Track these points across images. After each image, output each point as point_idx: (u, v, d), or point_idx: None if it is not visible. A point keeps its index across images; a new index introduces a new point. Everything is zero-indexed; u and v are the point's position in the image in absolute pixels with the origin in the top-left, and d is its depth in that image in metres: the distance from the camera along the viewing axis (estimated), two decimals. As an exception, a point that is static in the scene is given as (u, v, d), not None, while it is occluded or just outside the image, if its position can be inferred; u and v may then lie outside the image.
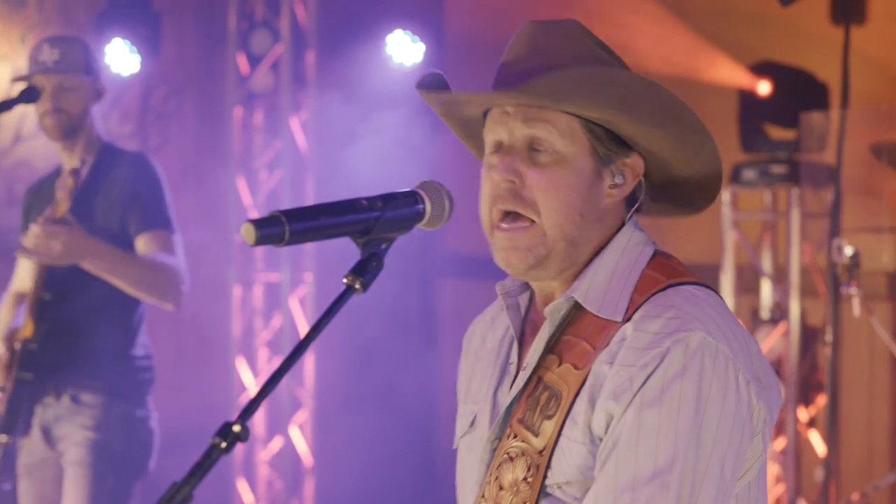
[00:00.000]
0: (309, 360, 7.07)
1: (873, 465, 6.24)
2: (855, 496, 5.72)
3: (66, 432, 4.20)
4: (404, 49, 6.89)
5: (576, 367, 2.05)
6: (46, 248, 3.97)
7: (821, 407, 6.04)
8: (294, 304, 7.06)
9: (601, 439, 2.00)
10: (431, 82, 2.25)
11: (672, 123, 2.11)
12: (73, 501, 4.17)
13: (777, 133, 6.09)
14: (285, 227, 1.87)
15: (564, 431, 2.02)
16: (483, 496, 2.14)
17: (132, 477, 4.28)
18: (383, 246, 2.02)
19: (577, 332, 2.10)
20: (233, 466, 7.06)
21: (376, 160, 6.93)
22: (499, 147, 2.15)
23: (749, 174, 6.01)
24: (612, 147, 2.12)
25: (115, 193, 4.23)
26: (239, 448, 7.04)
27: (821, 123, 5.71)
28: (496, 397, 2.21)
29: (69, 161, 4.30)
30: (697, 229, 6.01)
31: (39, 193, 4.43)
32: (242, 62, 7.04)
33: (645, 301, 2.05)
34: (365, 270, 1.98)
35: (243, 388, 7.09)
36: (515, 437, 2.10)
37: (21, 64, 6.28)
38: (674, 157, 2.15)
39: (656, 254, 2.17)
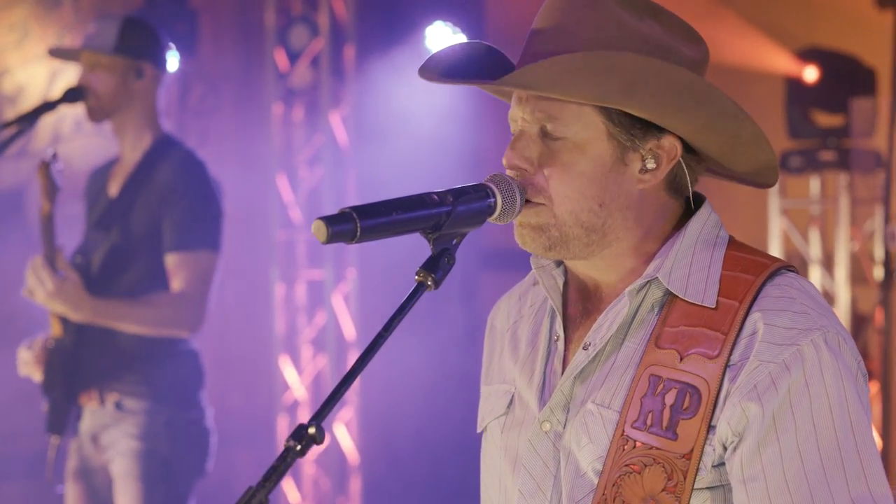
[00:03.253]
0: (353, 357, 7.02)
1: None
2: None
3: (113, 440, 4.07)
4: (444, 41, 6.82)
5: (708, 358, 1.94)
6: (46, 300, 3.93)
7: (872, 395, 5.97)
8: (337, 302, 7.02)
9: (732, 435, 1.91)
10: (431, 67, 2.18)
11: (695, 107, 1.99)
12: None
13: (824, 119, 6.02)
14: (357, 224, 1.82)
15: (711, 428, 1.92)
16: None
17: (188, 481, 4.15)
18: (454, 241, 1.96)
19: (688, 321, 1.99)
20: (278, 465, 7.02)
21: (417, 155, 6.88)
22: (514, 129, 2.09)
23: (796, 161, 5.95)
24: (635, 132, 2.01)
25: (153, 196, 4.11)
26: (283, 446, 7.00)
27: (869, 109, 5.63)
28: (546, 375, 2.10)
29: (121, 146, 4.22)
30: (744, 216, 5.94)
31: (97, 178, 4.34)
32: (281, 58, 7.00)
33: (763, 285, 1.97)
34: (437, 267, 1.92)
35: (287, 387, 7.05)
36: (636, 445, 1.96)
37: (58, 65, 6.26)
38: (708, 143, 2.04)
39: (731, 239, 2.09)
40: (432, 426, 7.30)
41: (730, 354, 1.92)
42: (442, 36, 6.81)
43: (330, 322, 6.99)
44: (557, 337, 2.12)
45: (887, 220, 4.28)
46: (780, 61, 5.92)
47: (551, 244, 2.03)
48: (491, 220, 2.01)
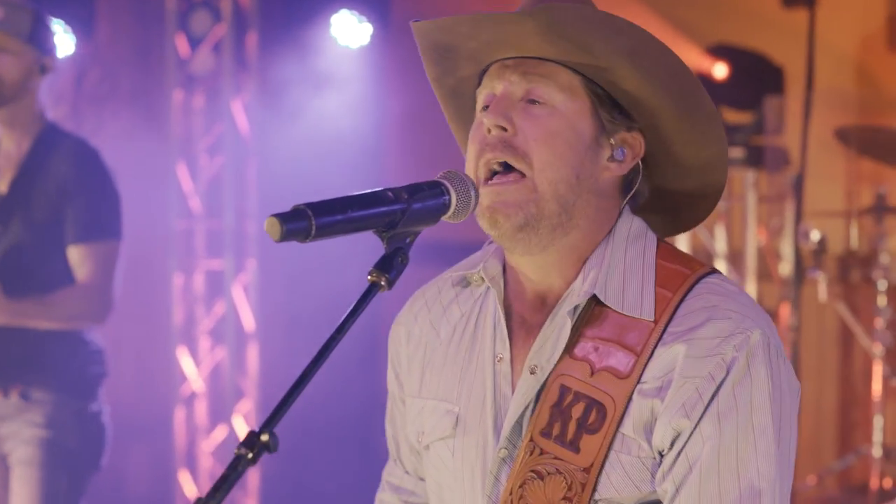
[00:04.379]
0: (252, 349, 6.92)
1: (822, 449, 6.24)
2: (811, 479, 5.69)
3: (14, 430, 3.99)
4: (350, 30, 6.73)
5: (618, 376, 1.95)
6: None
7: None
8: (237, 292, 6.91)
9: (662, 453, 1.92)
10: (429, 24, 2.13)
11: (680, 93, 2.01)
12: (23, 502, 3.97)
13: (732, 116, 6.04)
14: (312, 222, 1.75)
15: (615, 446, 1.93)
16: None
17: (85, 474, 4.09)
18: (408, 240, 1.90)
19: (603, 334, 1.99)
20: (174, 458, 6.90)
21: (321, 145, 6.79)
22: (492, 100, 2.05)
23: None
24: (614, 115, 2.03)
25: (50, 188, 4.00)
26: (180, 439, 6.89)
27: (778, 107, 5.67)
28: (496, 399, 2.07)
29: (5, 139, 4.08)
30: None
31: None
32: (182, 43, 6.85)
33: (682, 301, 1.96)
34: (391, 266, 1.85)
35: (184, 379, 6.92)
36: (542, 452, 1.97)
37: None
38: (678, 133, 2.04)
39: (659, 241, 2.09)
40: (333, 421, 7.21)
41: (641, 375, 1.92)
42: (347, 24, 6.70)
43: (229, 313, 6.87)
44: (500, 358, 2.08)
45: (799, 217, 4.30)
46: (689, 57, 5.93)
47: (525, 222, 1.99)
48: (444, 218, 1.95)
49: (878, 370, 5.22)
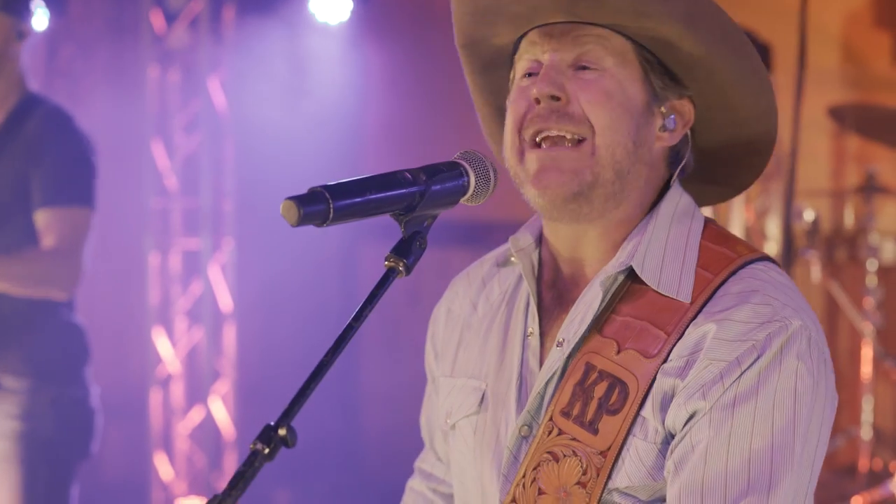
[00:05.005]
0: (229, 330, 6.82)
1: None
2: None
3: None
4: (329, 6, 6.60)
5: (646, 356, 1.85)
6: None
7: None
8: (214, 272, 6.81)
9: (674, 435, 1.82)
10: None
11: (735, 50, 1.92)
12: (2, 502, 3.76)
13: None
14: (330, 205, 1.67)
15: (634, 430, 1.84)
16: (514, 500, 1.93)
17: (72, 463, 3.87)
18: (426, 223, 1.82)
19: (636, 312, 1.90)
20: (150, 440, 6.80)
21: (299, 122, 6.70)
22: (536, 68, 1.96)
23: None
24: (666, 81, 1.95)
25: (20, 151, 3.81)
26: (156, 421, 6.80)
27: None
28: (523, 375, 2.00)
29: None
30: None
31: None
32: (157, 19, 6.73)
33: (723, 283, 1.87)
34: (409, 251, 1.77)
35: (160, 360, 6.81)
36: (560, 433, 1.89)
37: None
38: (735, 88, 1.95)
39: (707, 221, 2.00)
40: (310, 399, 7.12)
41: (668, 355, 1.84)
42: (326, 1, 6.58)
43: (206, 293, 6.77)
44: (531, 332, 2.01)
45: (791, 197, 4.24)
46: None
47: (580, 190, 1.91)
48: (463, 200, 1.87)
49: (867, 351, 5.17)
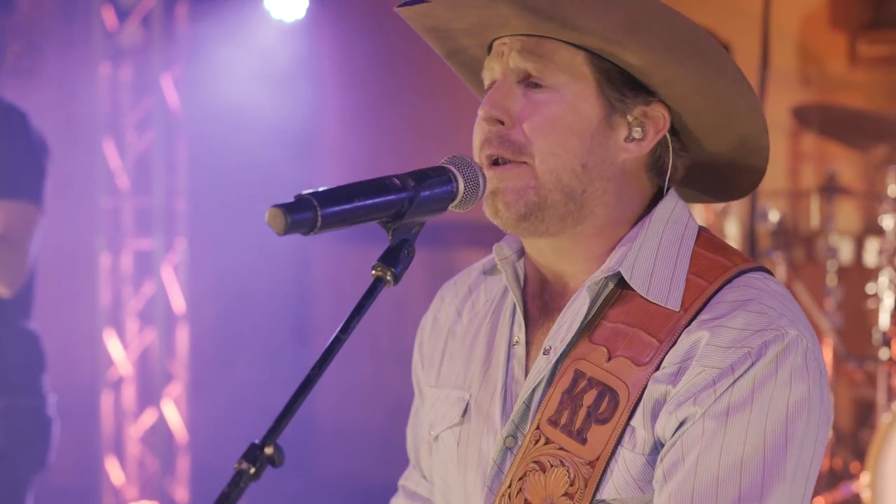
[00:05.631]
0: (182, 331, 6.73)
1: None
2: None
3: None
4: (285, 3, 6.52)
5: (637, 364, 1.79)
6: None
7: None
8: (167, 273, 6.72)
9: (663, 443, 1.77)
10: (406, 11, 1.97)
11: (695, 61, 1.82)
12: None
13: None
14: (317, 212, 1.60)
15: (623, 441, 1.78)
16: None
17: (26, 474, 3.74)
18: (413, 231, 1.75)
19: (627, 319, 1.84)
20: (100, 444, 6.69)
21: (254, 120, 6.62)
22: (492, 83, 1.90)
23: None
24: (625, 91, 1.86)
25: None
26: (108, 424, 6.70)
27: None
28: (507, 384, 1.94)
29: None
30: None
31: None
32: (109, 15, 6.63)
33: (718, 290, 1.81)
34: (397, 260, 1.71)
35: (111, 362, 6.71)
36: (548, 442, 1.83)
37: None
38: (699, 109, 1.87)
39: (701, 230, 1.94)
40: (265, 401, 7.04)
41: (660, 363, 1.78)
42: (281, -3, 6.51)
43: (158, 294, 6.69)
44: (517, 341, 1.95)
45: (755, 197, 4.21)
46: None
47: (528, 211, 1.85)
48: (451, 206, 1.81)
49: (827, 352, 5.17)
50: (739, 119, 1.89)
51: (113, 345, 6.72)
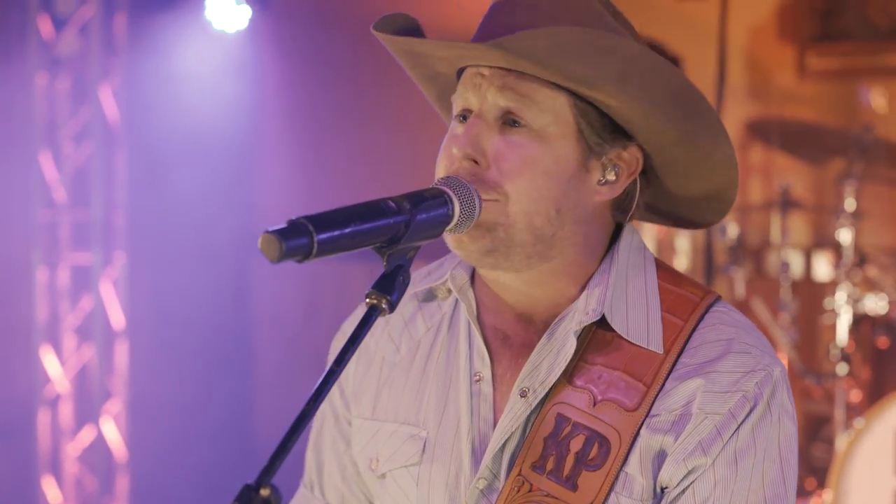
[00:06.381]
0: (121, 347, 6.59)
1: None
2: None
3: None
4: (227, 14, 6.38)
5: (625, 409, 1.77)
6: None
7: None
8: (105, 288, 6.56)
9: (665, 489, 1.76)
10: (391, 24, 1.88)
11: (682, 114, 1.80)
12: None
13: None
14: (313, 238, 1.51)
15: (616, 487, 1.75)
16: None
17: None
18: (408, 256, 1.67)
19: (606, 361, 1.81)
20: (37, 462, 6.53)
21: (194, 133, 6.50)
22: (466, 115, 1.82)
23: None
24: (604, 135, 1.82)
25: None
26: (44, 442, 6.54)
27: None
28: (474, 424, 1.87)
29: None
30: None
31: None
32: (45, 25, 6.46)
33: (694, 331, 1.81)
34: (392, 287, 1.63)
35: (48, 380, 6.55)
36: (532, 489, 1.78)
37: None
38: (676, 157, 1.86)
39: (656, 260, 1.93)
40: (206, 419, 6.92)
41: (650, 408, 1.77)
42: (224, 7, 6.36)
43: (97, 309, 6.53)
44: (479, 377, 1.87)
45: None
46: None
47: (494, 247, 1.79)
48: (446, 230, 1.73)
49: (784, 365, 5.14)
50: (714, 171, 1.88)
51: (50, 361, 6.56)
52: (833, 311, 4.90)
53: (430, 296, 2.02)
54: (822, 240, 5.64)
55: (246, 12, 6.39)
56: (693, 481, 1.75)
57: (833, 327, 4.92)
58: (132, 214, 6.62)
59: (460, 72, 1.88)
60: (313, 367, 6.84)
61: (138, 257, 6.66)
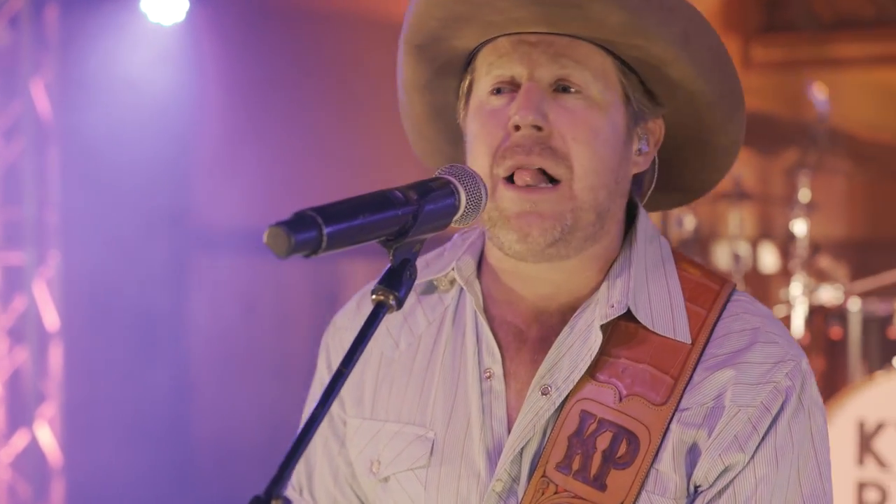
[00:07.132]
0: (56, 349, 6.44)
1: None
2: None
3: None
4: (162, 6, 6.25)
5: (653, 403, 1.69)
6: None
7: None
8: (39, 288, 6.42)
9: (699, 487, 1.69)
10: None
11: (718, 76, 1.77)
12: None
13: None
14: (322, 231, 1.40)
15: (647, 485, 1.68)
16: None
17: None
18: (414, 250, 1.57)
19: (631, 354, 1.73)
20: (-32, 470, 6.37)
21: (129, 129, 6.36)
22: (507, 84, 1.73)
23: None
24: (644, 102, 1.77)
25: None
26: (-25, 448, 6.37)
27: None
28: (486, 424, 1.78)
29: None
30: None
31: None
32: (-27, 17, 6.31)
33: (718, 320, 1.75)
34: (399, 282, 1.52)
35: (-20, 383, 6.39)
36: (558, 490, 1.69)
37: None
38: (710, 114, 1.80)
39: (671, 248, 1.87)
40: (143, 422, 6.79)
41: (679, 401, 1.70)
42: (159, 0, 6.23)
43: (30, 310, 6.40)
44: (490, 374, 1.79)
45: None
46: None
47: (561, 235, 1.71)
48: (453, 222, 1.63)
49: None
50: (730, 132, 1.84)
51: (-19, 365, 6.40)
52: (788, 302, 4.88)
53: (429, 288, 1.93)
54: (769, 231, 5.62)
55: (183, 4, 6.26)
56: (732, 480, 1.68)
57: (787, 319, 4.89)
58: (66, 212, 6.48)
59: (476, 48, 1.79)
60: (251, 364, 6.74)
61: (72, 256, 6.52)
